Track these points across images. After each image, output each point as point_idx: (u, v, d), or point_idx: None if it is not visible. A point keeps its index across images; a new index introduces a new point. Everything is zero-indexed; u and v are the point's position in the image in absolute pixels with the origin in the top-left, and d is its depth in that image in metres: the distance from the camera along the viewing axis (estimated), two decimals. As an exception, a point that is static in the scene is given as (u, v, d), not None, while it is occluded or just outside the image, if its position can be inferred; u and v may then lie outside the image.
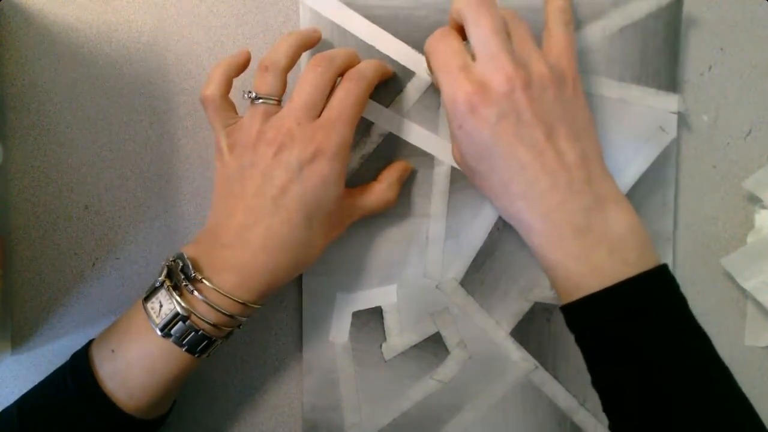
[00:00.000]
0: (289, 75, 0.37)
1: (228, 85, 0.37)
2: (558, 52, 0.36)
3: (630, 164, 0.42)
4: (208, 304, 0.33)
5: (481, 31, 0.34)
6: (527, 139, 0.33)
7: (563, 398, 0.42)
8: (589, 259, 0.33)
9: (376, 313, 0.42)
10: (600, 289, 0.32)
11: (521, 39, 0.35)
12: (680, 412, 0.31)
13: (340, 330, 0.42)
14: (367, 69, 0.38)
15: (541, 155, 0.33)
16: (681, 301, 0.33)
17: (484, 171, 0.35)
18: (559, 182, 0.33)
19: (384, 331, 0.42)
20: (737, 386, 0.32)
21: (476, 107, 0.33)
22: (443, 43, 0.36)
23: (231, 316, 0.34)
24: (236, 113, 0.38)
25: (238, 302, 0.34)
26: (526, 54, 0.35)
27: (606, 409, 0.34)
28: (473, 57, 0.35)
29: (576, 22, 0.41)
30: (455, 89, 0.34)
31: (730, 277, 0.43)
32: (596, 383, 0.34)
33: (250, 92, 0.36)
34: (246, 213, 0.35)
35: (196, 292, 0.33)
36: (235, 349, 0.43)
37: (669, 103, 0.41)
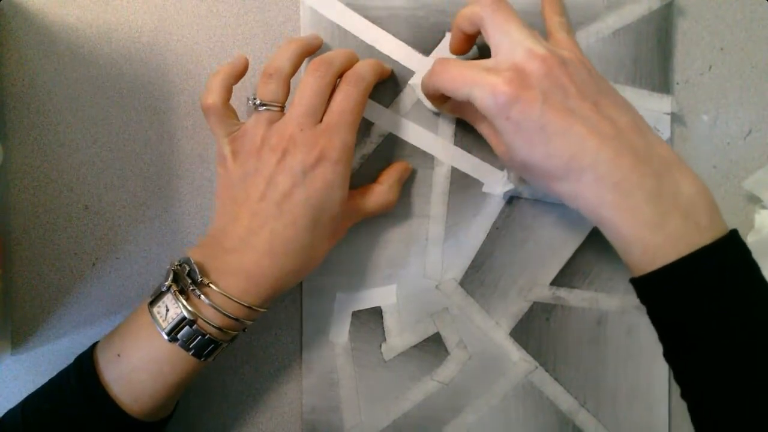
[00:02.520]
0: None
1: (228, 93, 0.37)
2: (570, 50, 0.36)
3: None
4: (215, 308, 0.34)
5: (502, 26, 0.34)
6: (578, 112, 0.33)
7: (564, 399, 0.42)
8: (665, 227, 0.31)
9: (376, 313, 0.42)
10: (677, 259, 0.31)
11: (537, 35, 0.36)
12: (758, 374, 0.31)
13: (339, 330, 0.42)
14: (364, 70, 0.38)
15: (596, 125, 0.33)
16: (754, 269, 0.32)
17: (540, 157, 0.33)
18: (623, 148, 0.32)
19: (384, 331, 0.42)
20: None
21: (518, 93, 0.33)
22: (450, 68, 0.36)
23: (237, 320, 0.34)
24: (238, 120, 0.38)
25: (245, 306, 0.34)
26: (547, 44, 0.35)
27: (677, 379, 0.34)
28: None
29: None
30: (491, 88, 0.33)
31: (730, 277, 0.43)
32: (668, 355, 0.34)
33: (254, 99, 0.36)
34: (251, 218, 0.35)
35: (202, 297, 0.34)
36: (235, 350, 0.43)
37: (662, 104, 0.42)
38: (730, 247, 0.32)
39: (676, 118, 0.42)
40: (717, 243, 0.31)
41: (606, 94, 0.34)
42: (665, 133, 0.42)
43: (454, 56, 0.40)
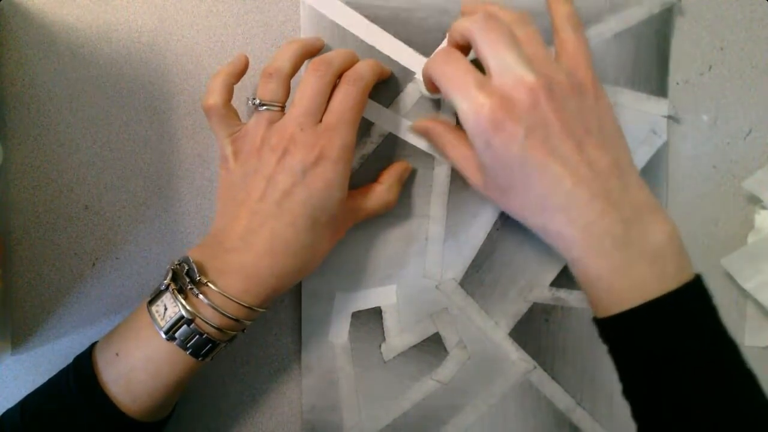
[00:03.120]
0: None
1: (229, 93, 0.37)
2: (573, 59, 0.35)
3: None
4: (214, 307, 0.33)
5: (493, 47, 0.33)
6: (559, 150, 0.33)
7: (561, 398, 0.43)
8: (631, 273, 0.32)
9: (376, 313, 0.42)
10: (641, 303, 0.32)
11: (533, 47, 0.35)
12: (707, 423, 0.31)
13: (339, 330, 0.42)
14: (364, 70, 0.38)
15: (575, 167, 0.33)
16: (714, 313, 0.33)
17: (517, 189, 0.34)
18: (597, 192, 0.32)
19: (383, 331, 0.42)
20: (764, 395, 0.32)
21: (503, 123, 0.32)
22: (450, 65, 0.34)
23: (236, 320, 0.34)
24: (239, 120, 0.38)
25: (244, 306, 0.34)
26: (541, 63, 0.34)
27: (636, 416, 0.34)
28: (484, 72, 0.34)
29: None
30: (477, 107, 0.33)
31: (730, 277, 0.43)
32: (627, 392, 0.34)
33: (254, 99, 0.36)
34: (250, 217, 0.35)
35: (201, 296, 0.34)
36: (235, 349, 0.43)
37: (660, 107, 0.42)
38: (694, 294, 0.33)
39: (675, 118, 0.42)
40: (681, 289, 0.32)
41: (592, 130, 0.34)
42: (663, 136, 0.42)
43: None
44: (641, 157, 0.42)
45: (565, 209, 0.33)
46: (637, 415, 0.34)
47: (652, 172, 0.42)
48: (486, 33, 0.34)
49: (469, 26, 0.34)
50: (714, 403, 0.31)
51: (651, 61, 0.42)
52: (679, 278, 0.32)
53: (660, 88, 0.42)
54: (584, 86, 0.35)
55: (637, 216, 0.33)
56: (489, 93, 0.33)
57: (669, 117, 0.42)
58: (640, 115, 0.42)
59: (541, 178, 0.33)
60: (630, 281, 0.32)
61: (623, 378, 0.34)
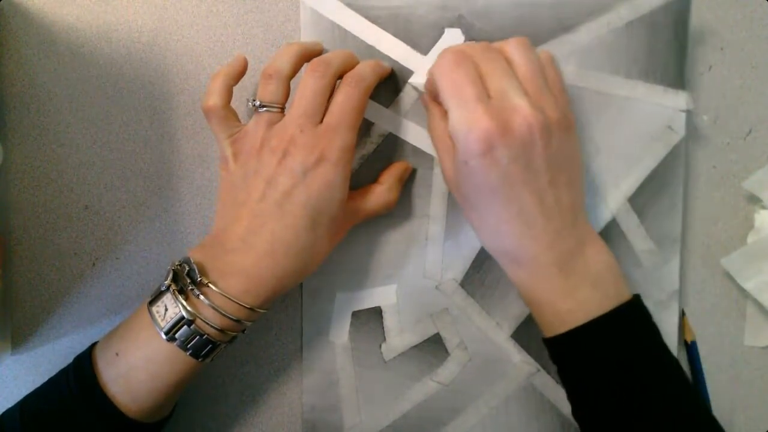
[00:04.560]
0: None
1: (229, 94, 0.37)
2: (561, 95, 0.36)
3: (638, 164, 0.41)
4: (214, 308, 0.34)
5: (494, 74, 0.34)
6: (533, 184, 0.33)
7: (566, 403, 0.42)
8: (575, 295, 0.34)
9: (376, 313, 0.42)
10: (586, 321, 0.34)
11: (532, 81, 0.35)
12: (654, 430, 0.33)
13: (339, 330, 0.42)
14: (365, 71, 0.38)
15: (542, 201, 0.34)
16: (653, 329, 0.35)
17: (480, 207, 0.35)
18: (551, 227, 0.34)
19: (383, 331, 0.42)
20: (705, 406, 0.36)
21: (493, 147, 0.32)
22: (459, 70, 0.34)
23: (236, 321, 0.34)
24: (239, 121, 0.38)
25: (244, 307, 0.34)
26: (538, 95, 0.34)
27: None
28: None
29: (579, 17, 0.41)
30: (472, 122, 0.33)
31: (730, 277, 0.43)
32: (576, 413, 0.36)
33: (254, 100, 0.36)
34: (251, 218, 0.35)
35: (202, 297, 0.34)
36: (235, 349, 0.43)
37: (677, 100, 0.41)
38: (634, 311, 0.35)
39: (695, 113, 0.42)
40: (621, 307, 0.34)
41: (566, 168, 0.35)
42: (680, 132, 0.41)
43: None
44: (654, 155, 0.41)
45: (519, 237, 0.34)
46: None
47: (668, 170, 0.41)
48: (485, 61, 0.34)
49: (474, 54, 0.35)
50: (654, 411, 0.33)
51: (668, 51, 0.40)
52: (619, 299, 0.34)
53: (677, 80, 0.41)
54: (571, 124, 0.36)
55: (580, 247, 0.35)
56: (489, 112, 0.33)
57: (687, 111, 0.41)
58: (655, 110, 0.41)
59: (507, 205, 0.34)
60: (574, 303, 0.34)
61: (572, 398, 0.36)
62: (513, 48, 0.35)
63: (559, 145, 0.34)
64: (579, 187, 0.36)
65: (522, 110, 0.33)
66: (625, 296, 0.35)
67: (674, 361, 0.35)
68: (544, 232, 0.34)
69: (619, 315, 0.34)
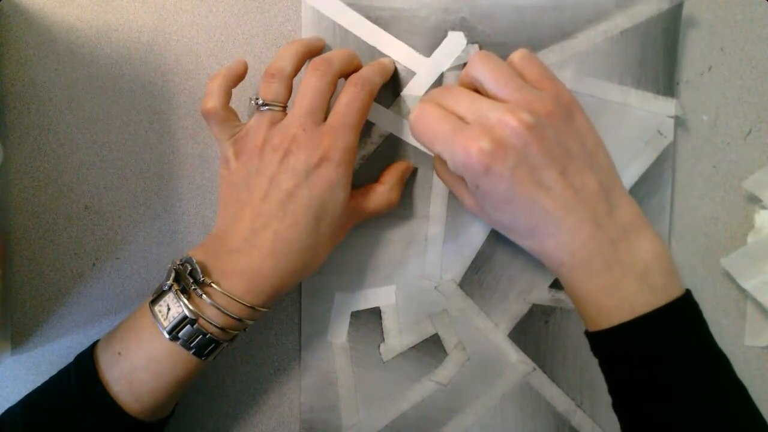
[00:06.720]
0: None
1: (228, 96, 0.37)
2: (551, 84, 0.35)
3: (629, 167, 0.42)
4: (217, 307, 0.34)
5: (459, 103, 0.34)
6: (544, 182, 0.33)
7: (561, 401, 0.42)
8: (619, 291, 0.33)
9: (375, 313, 0.42)
10: (630, 319, 0.32)
11: (506, 86, 0.34)
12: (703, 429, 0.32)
13: (338, 330, 0.42)
14: (372, 74, 0.38)
15: (560, 196, 0.33)
16: (703, 327, 0.33)
17: (507, 220, 0.35)
18: (584, 218, 0.33)
19: (382, 331, 0.42)
20: (754, 407, 0.33)
21: (490, 163, 0.33)
22: (427, 119, 0.35)
23: (239, 320, 0.34)
24: (239, 121, 0.38)
25: (247, 306, 0.34)
26: (520, 96, 0.34)
27: (625, 431, 0.35)
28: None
29: (578, 23, 0.41)
30: (461, 151, 0.33)
31: (730, 277, 0.43)
32: (617, 406, 0.35)
33: (256, 99, 0.36)
34: (253, 218, 0.35)
35: (204, 296, 0.34)
36: (235, 349, 0.43)
37: (667, 107, 0.42)
38: (683, 309, 0.33)
39: (682, 119, 0.42)
40: (670, 304, 0.32)
41: (574, 154, 0.34)
42: (669, 137, 0.42)
43: (448, 65, 0.40)
44: (645, 158, 0.42)
45: (554, 236, 0.34)
46: (626, 429, 0.34)
47: (657, 173, 0.42)
48: (445, 99, 0.35)
49: (470, 66, 0.35)
50: (703, 415, 0.32)
51: (658, 59, 0.41)
52: (668, 294, 0.33)
53: (667, 88, 0.42)
54: (571, 108, 0.35)
55: (624, 235, 0.33)
56: (469, 135, 0.33)
57: (675, 117, 0.42)
58: (646, 116, 0.42)
59: (530, 211, 0.33)
60: (618, 298, 0.33)
61: (613, 392, 0.35)
62: (475, 67, 0.35)
63: (556, 134, 0.33)
64: (601, 168, 0.34)
65: (500, 118, 0.33)
66: (674, 290, 0.33)
67: (723, 360, 0.33)
68: (578, 226, 0.33)
69: (666, 314, 0.32)
